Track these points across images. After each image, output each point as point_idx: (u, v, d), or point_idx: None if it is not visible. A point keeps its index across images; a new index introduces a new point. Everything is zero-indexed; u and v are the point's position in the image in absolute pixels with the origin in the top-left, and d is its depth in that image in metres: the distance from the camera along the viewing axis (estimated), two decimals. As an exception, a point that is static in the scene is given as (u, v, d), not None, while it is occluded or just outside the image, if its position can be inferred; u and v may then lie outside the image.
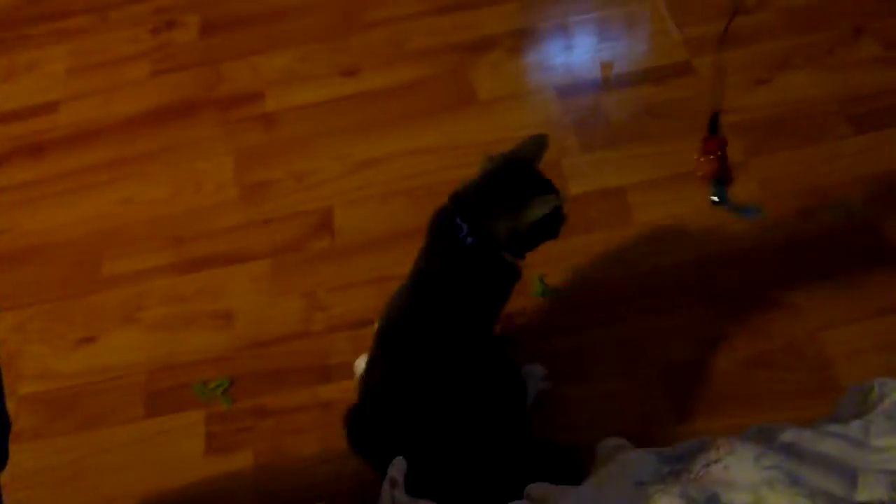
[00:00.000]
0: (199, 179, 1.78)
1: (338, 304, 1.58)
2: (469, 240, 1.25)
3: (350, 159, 1.77)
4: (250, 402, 1.50)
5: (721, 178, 1.37)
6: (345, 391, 1.47)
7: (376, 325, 1.34)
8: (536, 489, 0.85)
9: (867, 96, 1.75)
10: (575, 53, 1.88)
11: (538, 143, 1.30)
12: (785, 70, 1.80)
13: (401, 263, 1.60)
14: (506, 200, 1.25)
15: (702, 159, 1.35)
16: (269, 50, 1.97)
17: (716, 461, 0.69)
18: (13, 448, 1.05)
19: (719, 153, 1.34)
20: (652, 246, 1.59)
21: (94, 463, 1.47)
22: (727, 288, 1.53)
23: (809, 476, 0.61)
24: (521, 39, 1.91)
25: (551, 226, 1.28)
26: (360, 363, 1.42)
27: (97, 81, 2.00)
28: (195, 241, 1.70)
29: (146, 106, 1.93)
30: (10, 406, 1.07)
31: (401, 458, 1.14)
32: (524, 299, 1.54)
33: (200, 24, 2.06)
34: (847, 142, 1.69)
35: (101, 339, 1.62)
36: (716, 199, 1.36)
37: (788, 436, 0.71)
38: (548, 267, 1.57)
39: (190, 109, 1.90)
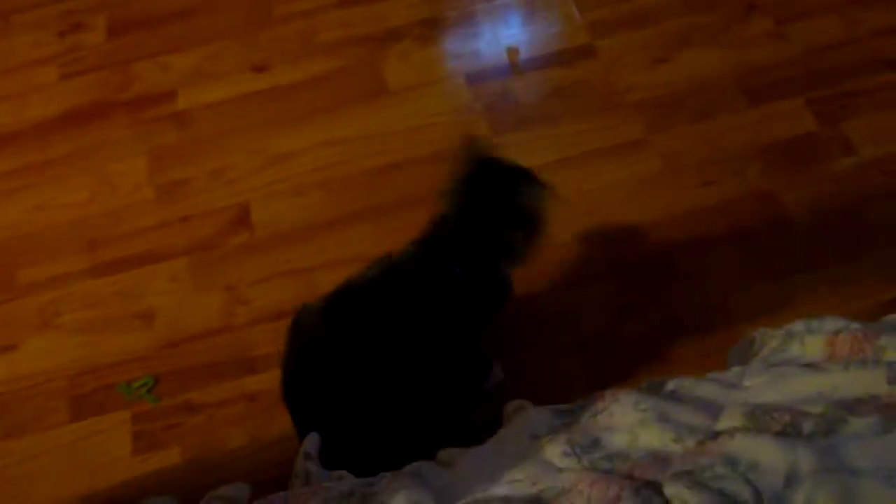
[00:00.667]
0: (114, 181, 1.77)
1: (259, 297, 1.60)
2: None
3: (264, 154, 1.78)
4: (176, 398, 1.52)
5: None
6: (270, 382, 1.49)
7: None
8: (444, 454, 0.89)
9: (761, 69, 1.83)
10: (482, 40, 1.93)
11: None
12: (683, 48, 1.87)
13: (319, 254, 1.64)
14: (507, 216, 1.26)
15: None
16: (179, 49, 1.96)
17: (602, 410, 0.73)
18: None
19: None
20: (560, 224, 1.64)
21: (22, 471, 1.47)
22: (635, 259, 1.60)
23: (678, 414, 0.66)
24: (428, 29, 1.94)
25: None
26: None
27: (5, 87, 1.97)
28: (112, 243, 1.70)
29: (56, 110, 1.91)
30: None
31: (315, 433, 1.16)
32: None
33: (108, 26, 2.04)
34: (742, 114, 1.77)
35: (21, 347, 1.60)
36: None
37: (671, 384, 0.76)
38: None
39: (101, 111, 1.89)
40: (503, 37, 1.93)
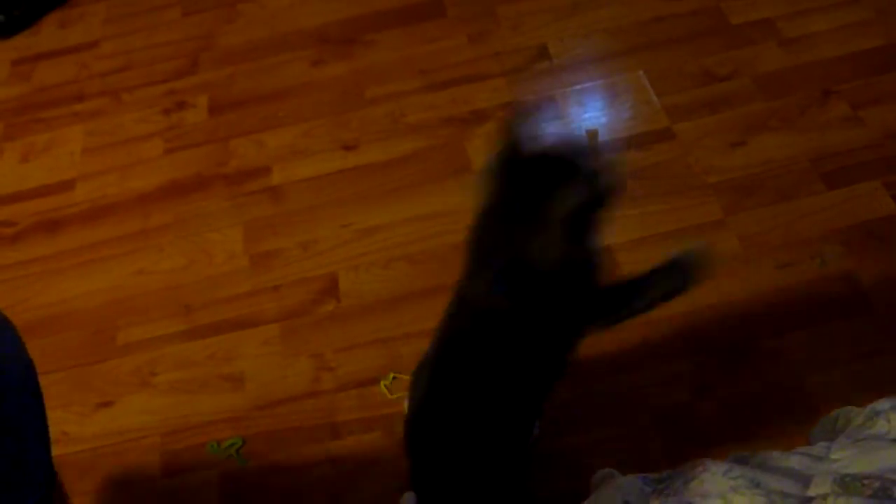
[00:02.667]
0: (211, 250, 1.88)
1: (344, 365, 1.66)
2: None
3: (352, 228, 1.87)
4: (263, 460, 1.57)
5: None
6: (353, 447, 1.54)
7: None
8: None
9: (837, 154, 1.86)
10: (562, 123, 2.00)
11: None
12: (759, 132, 1.91)
13: (403, 325, 1.70)
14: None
15: None
16: (274, 127, 2.08)
17: (693, 478, 0.76)
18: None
19: None
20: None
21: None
22: (712, 339, 1.61)
23: (770, 481, 0.69)
24: (511, 112, 2.03)
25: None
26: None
27: (112, 160, 2.11)
28: (206, 308, 1.79)
29: (159, 182, 2.04)
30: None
31: (411, 494, 1.19)
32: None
33: (209, 105, 2.18)
34: (820, 197, 1.79)
35: (118, 403, 1.69)
36: None
37: (759, 457, 0.79)
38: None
39: (201, 184, 2.01)
40: (582, 119, 2.01)
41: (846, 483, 0.63)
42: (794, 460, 0.75)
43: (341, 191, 1.94)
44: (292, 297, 1.78)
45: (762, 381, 1.54)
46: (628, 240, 1.76)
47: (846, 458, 0.71)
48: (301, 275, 1.81)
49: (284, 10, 2.40)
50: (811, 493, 0.64)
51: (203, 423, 1.63)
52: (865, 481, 0.62)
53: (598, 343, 1.61)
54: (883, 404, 0.90)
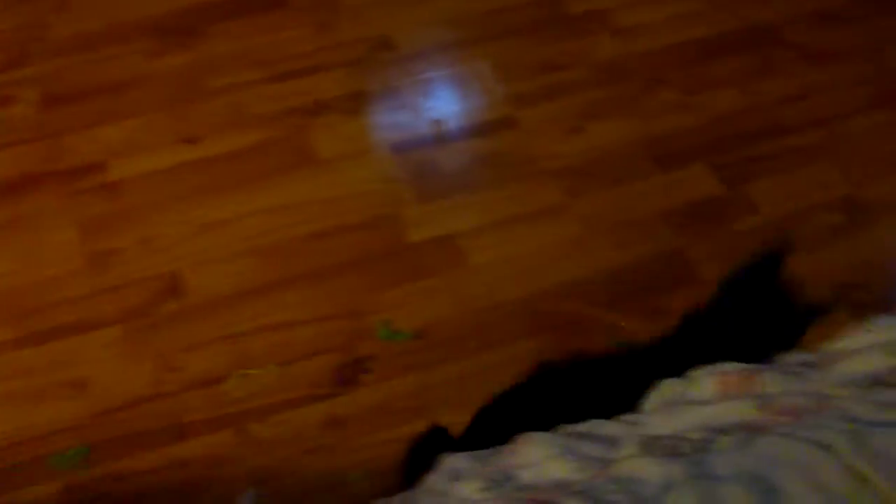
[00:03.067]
0: (43, 252, 1.79)
1: (190, 364, 1.62)
2: None
3: (195, 223, 1.82)
4: (108, 467, 1.52)
5: None
6: (200, 448, 1.51)
7: None
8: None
9: (668, 138, 1.95)
10: (407, 112, 2.01)
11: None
12: (596, 119, 1.98)
13: (250, 320, 1.68)
14: None
15: None
16: (110, 121, 2.00)
17: (516, 451, 0.79)
18: None
19: None
20: (487, 285, 1.71)
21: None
22: (555, 317, 1.67)
23: (583, 448, 0.73)
24: (355, 102, 2.02)
25: None
26: None
27: (-69, 160, 1.98)
28: (41, 313, 1.70)
29: (-16, 182, 1.92)
30: None
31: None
32: (372, 345, 1.63)
33: (39, 99, 2.07)
34: (653, 179, 1.88)
35: (-55, 420, 1.59)
36: None
37: (582, 427, 0.83)
38: (391, 312, 1.67)
39: (31, 183, 1.91)
40: (427, 109, 2.03)
41: (645, 444, 0.68)
42: (613, 427, 0.80)
43: (182, 185, 1.88)
44: (134, 296, 1.72)
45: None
46: (472, 226, 1.80)
47: (653, 421, 0.76)
48: (142, 273, 1.75)
49: (119, 0, 2.31)
50: (615, 455, 0.68)
51: (42, 435, 1.56)
52: (662, 442, 0.67)
53: (439, 331, 1.65)
54: (698, 371, 0.96)
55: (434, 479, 0.82)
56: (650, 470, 0.63)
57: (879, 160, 1.92)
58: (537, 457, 0.72)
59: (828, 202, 1.85)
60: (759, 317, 1.35)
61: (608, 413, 0.97)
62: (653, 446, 0.67)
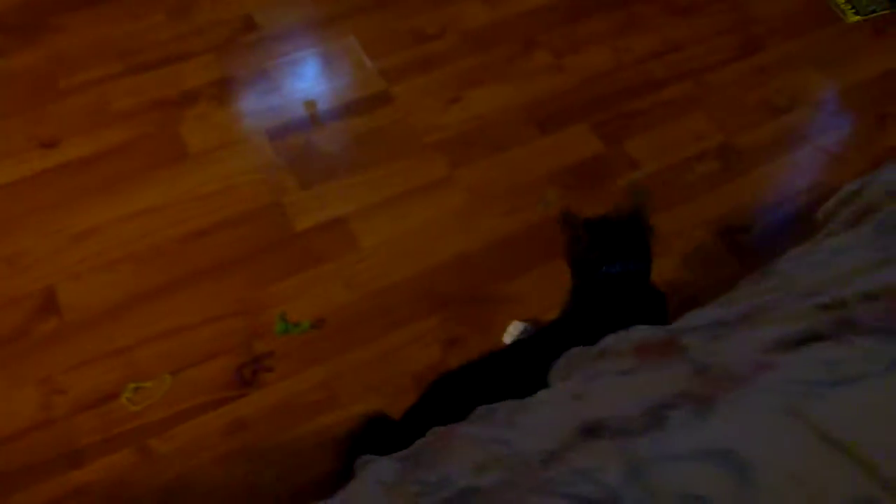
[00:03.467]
0: None
1: (77, 385, 1.52)
2: None
3: (65, 233, 1.70)
4: (-2, 505, 1.42)
5: None
6: (100, 472, 1.43)
7: None
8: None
9: (546, 100, 1.96)
10: (278, 96, 1.94)
11: None
12: (472, 87, 1.97)
13: (137, 330, 1.59)
14: None
15: None
16: (-45, 132, 1.85)
17: (443, 448, 0.77)
18: None
19: None
20: (381, 266, 1.68)
21: None
22: (454, 291, 1.65)
23: (520, 442, 0.71)
24: (223, 89, 1.93)
25: None
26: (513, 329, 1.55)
27: None
28: None
29: None
30: None
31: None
32: (269, 341, 1.58)
33: None
34: (536, 143, 1.88)
35: None
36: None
37: (503, 410, 0.81)
38: (286, 304, 1.62)
39: None
40: (299, 91, 1.96)
41: (589, 429, 0.66)
42: (542, 411, 0.78)
43: (45, 194, 1.76)
44: (5, 320, 1.60)
45: (502, 326, 1.60)
46: (361, 207, 1.76)
47: (585, 401, 0.74)
48: (11, 293, 1.63)
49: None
50: (556, 446, 0.66)
51: (-83, 480, 1.44)
52: (607, 423, 0.65)
53: (338, 318, 1.61)
54: (608, 340, 0.95)
55: (358, 485, 0.79)
56: (608, 455, 0.61)
57: (748, 108, 1.98)
58: (472, 456, 0.69)
59: (703, 151, 1.90)
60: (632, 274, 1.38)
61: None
62: (597, 431, 0.65)
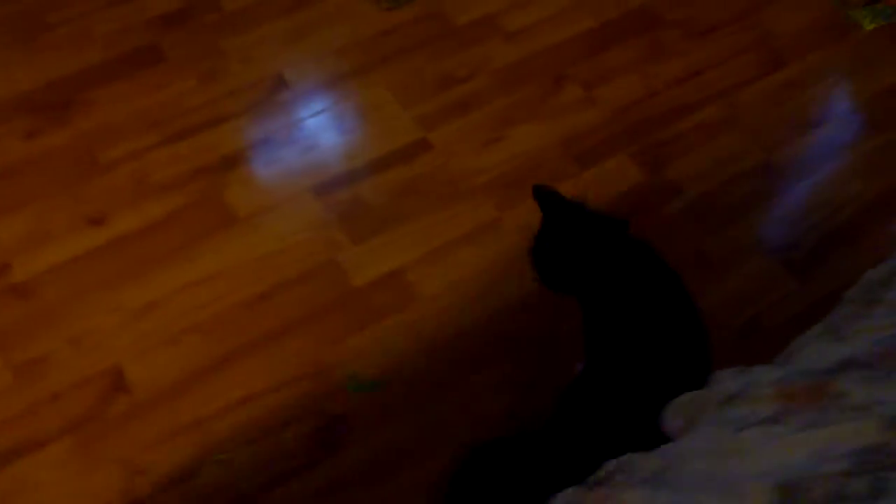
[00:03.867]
0: (-39, 374, 1.63)
1: (157, 462, 1.52)
2: None
3: (125, 309, 1.70)
4: None
5: None
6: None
7: None
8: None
9: (582, 134, 1.97)
10: (318, 152, 1.94)
11: None
12: (509, 127, 1.98)
13: (210, 401, 1.58)
14: None
15: None
16: (3, 214, 1.84)
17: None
18: None
19: None
20: (444, 316, 1.68)
21: None
22: (522, 333, 1.66)
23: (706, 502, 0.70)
24: (263, 150, 1.94)
25: None
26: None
27: None
28: (-25, 441, 1.55)
29: None
30: None
31: None
32: (343, 401, 1.58)
33: None
34: (578, 178, 1.90)
35: None
36: None
37: (651, 464, 0.81)
38: (355, 362, 1.62)
39: (-75, 300, 1.73)
40: (337, 145, 1.96)
41: (789, 491, 0.65)
42: (696, 464, 0.77)
43: (100, 271, 1.75)
44: (76, 402, 1.59)
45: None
46: (415, 258, 1.76)
47: (750, 455, 0.74)
48: (80, 375, 1.62)
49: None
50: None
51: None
52: (807, 485, 0.65)
53: (408, 371, 1.61)
54: (729, 382, 0.95)
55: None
56: None
57: (781, 123, 2.00)
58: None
59: (743, 171, 1.92)
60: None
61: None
62: (797, 495, 0.65)
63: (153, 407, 1.58)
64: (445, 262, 1.76)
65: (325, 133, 1.98)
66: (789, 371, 0.86)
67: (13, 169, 1.92)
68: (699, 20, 2.20)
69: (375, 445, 1.53)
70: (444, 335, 1.66)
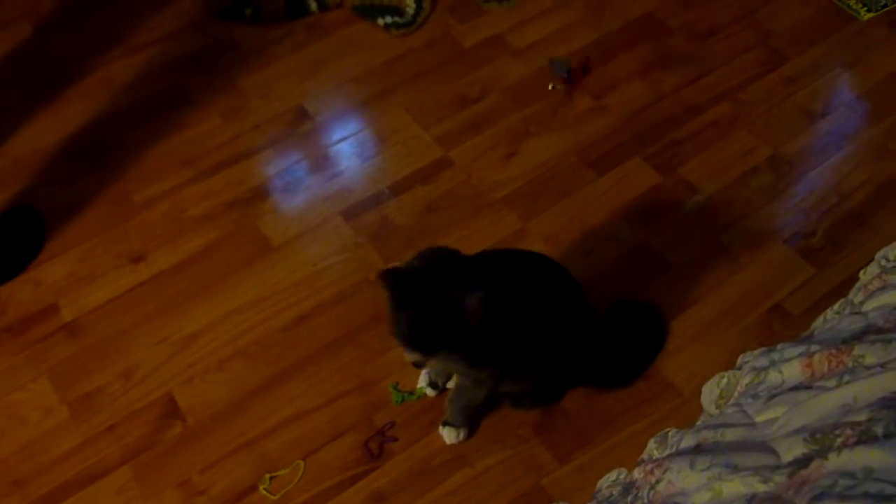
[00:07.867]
0: (21, 412, 1.69)
1: (215, 483, 1.58)
2: None
3: (171, 341, 1.77)
4: None
5: None
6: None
7: None
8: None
9: (597, 141, 2.04)
10: (344, 178, 2.02)
11: None
12: (524, 140, 2.05)
13: (260, 422, 1.65)
14: None
15: None
16: (46, 260, 1.91)
17: (657, 482, 0.82)
18: None
19: None
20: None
21: None
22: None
23: (743, 459, 0.76)
24: (291, 179, 2.02)
25: None
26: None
27: None
28: (39, 476, 1.61)
29: (-72, 357, 1.81)
30: None
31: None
32: (388, 412, 1.64)
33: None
34: (595, 184, 1.96)
35: None
36: None
37: (690, 439, 0.87)
38: (397, 374, 1.68)
39: (-20, 345, 1.81)
40: (362, 169, 2.04)
41: (817, 439, 0.71)
42: (728, 433, 0.83)
43: (144, 306, 1.83)
44: (132, 432, 1.65)
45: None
46: (447, 271, 1.82)
47: (781, 418, 0.80)
48: (133, 406, 1.69)
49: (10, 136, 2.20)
50: (791, 457, 0.72)
51: None
52: (835, 431, 0.70)
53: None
54: (760, 361, 1.01)
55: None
56: (877, 457, 0.65)
57: (787, 117, 2.07)
58: (697, 481, 0.75)
59: (755, 166, 1.99)
60: None
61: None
62: (827, 439, 0.70)
63: (206, 431, 1.65)
64: (474, 274, 1.82)
65: (350, 158, 2.06)
66: (812, 344, 0.92)
67: (54, 214, 2.00)
68: (700, 24, 2.28)
69: (421, 454, 1.59)
70: (480, 343, 1.72)
